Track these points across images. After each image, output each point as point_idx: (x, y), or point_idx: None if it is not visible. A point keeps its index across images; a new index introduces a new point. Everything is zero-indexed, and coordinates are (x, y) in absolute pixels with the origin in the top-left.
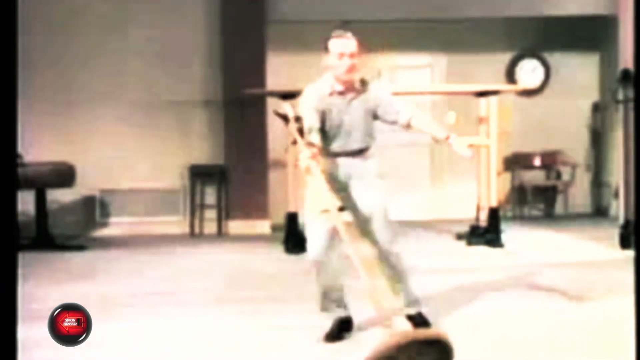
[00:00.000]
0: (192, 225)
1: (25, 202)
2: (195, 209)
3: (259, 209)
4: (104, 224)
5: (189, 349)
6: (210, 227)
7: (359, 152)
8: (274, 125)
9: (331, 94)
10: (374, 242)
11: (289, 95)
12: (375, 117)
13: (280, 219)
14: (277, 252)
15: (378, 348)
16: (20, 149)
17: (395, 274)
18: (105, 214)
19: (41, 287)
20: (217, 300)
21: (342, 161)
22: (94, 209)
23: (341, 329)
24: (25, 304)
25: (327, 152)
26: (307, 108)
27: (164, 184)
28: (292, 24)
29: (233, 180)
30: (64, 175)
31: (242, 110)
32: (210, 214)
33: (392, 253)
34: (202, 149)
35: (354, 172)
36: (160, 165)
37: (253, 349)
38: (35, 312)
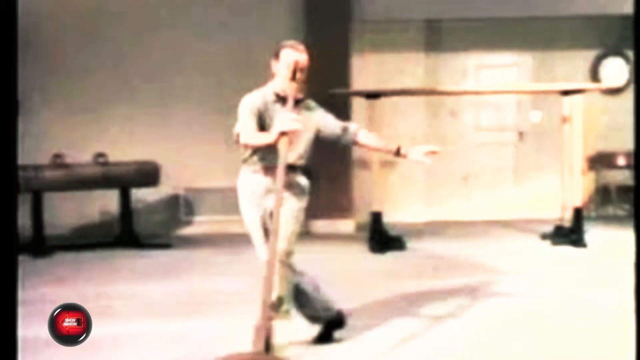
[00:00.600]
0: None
1: (110, 201)
2: None
3: (343, 209)
4: (188, 223)
5: None
6: None
7: (294, 166)
8: (358, 123)
9: (275, 101)
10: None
11: (374, 95)
12: (316, 131)
13: (364, 218)
14: (361, 251)
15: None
16: (105, 148)
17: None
18: (190, 212)
19: (126, 285)
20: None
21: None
22: (178, 208)
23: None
24: (112, 301)
25: (262, 164)
26: (247, 111)
27: None
28: (377, 23)
29: (317, 179)
30: (149, 174)
31: (327, 110)
32: None
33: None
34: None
35: (288, 186)
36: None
37: (338, 347)
38: (123, 309)
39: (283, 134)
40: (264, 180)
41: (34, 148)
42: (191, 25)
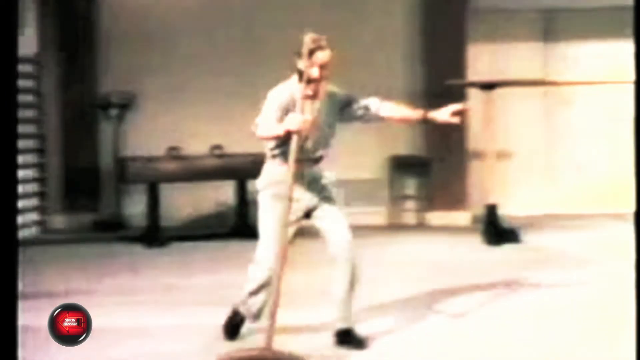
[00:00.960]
0: (391, 216)
1: (226, 192)
2: (396, 199)
3: (458, 200)
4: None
5: None
6: (410, 218)
7: (318, 160)
8: (474, 116)
9: (303, 97)
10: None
11: (490, 86)
12: (342, 117)
13: (479, 210)
14: (476, 243)
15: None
16: (221, 140)
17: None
18: None
19: (240, 276)
20: (416, 290)
21: (304, 167)
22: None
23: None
24: (223, 290)
25: (289, 158)
26: (272, 104)
27: (365, 175)
28: (493, 12)
29: (433, 171)
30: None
31: (442, 101)
32: (411, 205)
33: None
34: (403, 140)
35: (311, 179)
36: (361, 156)
37: (451, 340)
38: (230, 298)
39: (291, 132)
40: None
41: (151, 141)
42: (299, 14)
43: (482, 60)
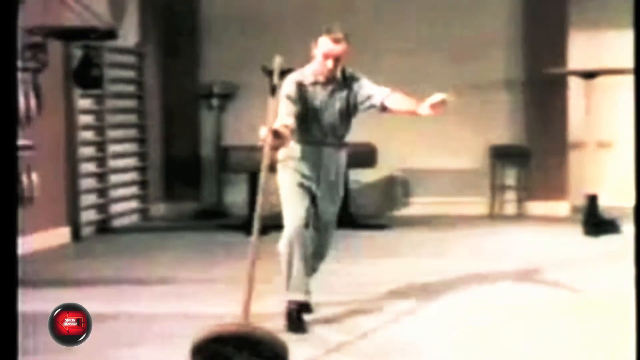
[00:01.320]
0: (492, 206)
1: None
2: (496, 189)
3: (558, 190)
4: (405, 204)
5: (494, 321)
6: (510, 208)
7: (334, 143)
8: (574, 105)
9: (314, 83)
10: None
11: (591, 75)
12: (355, 108)
13: (579, 200)
14: (575, 233)
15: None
16: None
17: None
18: (406, 193)
19: (342, 266)
20: (516, 280)
21: (316, 149)
22: (394, 189)
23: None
24: (326, 277)
25: (305, 139)
26: (286, 93)
27: (465, 165)
28: None
29: (533, 161)
30: (366, 156)
31: (543, 90)
32: (511, 195)
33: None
34: (503, 129)
35: (327, 162)
36: (461, 145)
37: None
38: (337, 287)
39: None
40: (306, 150)
41: (253, 130)
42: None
43: (583, 48)
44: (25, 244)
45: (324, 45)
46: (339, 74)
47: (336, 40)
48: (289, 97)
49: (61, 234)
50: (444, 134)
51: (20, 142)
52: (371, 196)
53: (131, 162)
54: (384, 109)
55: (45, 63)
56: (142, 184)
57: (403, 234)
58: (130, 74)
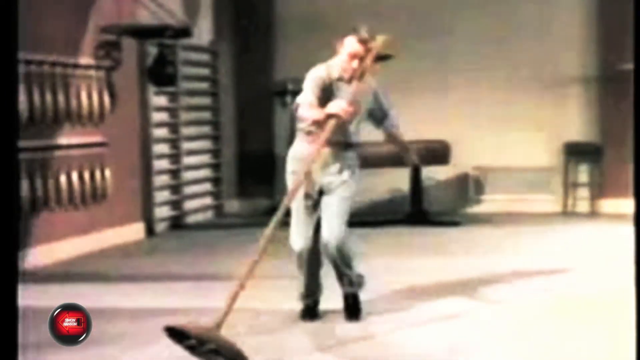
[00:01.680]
0: (565, 204)
1: (401, 179)
2: (569, 187)
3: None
4: (477, 201)
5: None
6: (583, 206)
7: (349, 142)
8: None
9: (339, 79)
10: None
11: None
12: (369, 114)
13: None
14: None
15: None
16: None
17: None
18: (479, 191)
19: (413, 259)
20: (590, 279)
21: (332, 148)
22: (467, 186)
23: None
24: (399, 275)
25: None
26: (310, 84)
27: (538, 162)
28: None
29: (606, 158)
30: (439, 153)
31: (617, 86)
32: (583, 193)
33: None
34: (577, 126)
35: (334, 164)
36: (534, 142)
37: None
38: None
39: (331, 116)
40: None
41: None
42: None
43: None
44: (100, 240)
45: (350, 45)
46: (360, 72)
47: (362, 41)
48: (313, 88)
49: (135, 230)
50: (517, 131)
51: (94, 139)
52: (444, 193)
53: (205, 159)
54: (385, 132)
55: (119, 61)
56: (216, 180)
57: (474, 231)
58: (204, 71)
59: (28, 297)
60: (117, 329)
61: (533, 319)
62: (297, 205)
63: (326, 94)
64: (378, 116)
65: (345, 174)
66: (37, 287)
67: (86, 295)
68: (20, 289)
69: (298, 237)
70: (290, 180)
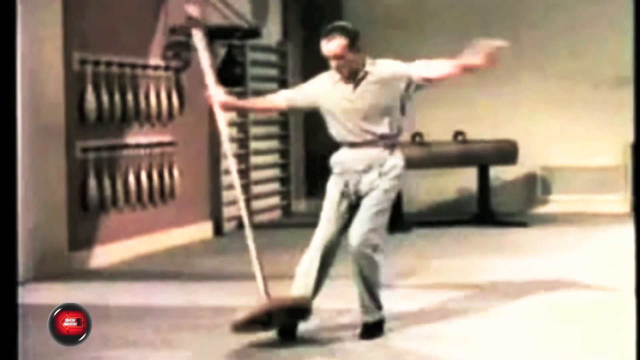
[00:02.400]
0: (631, 204)
1: (468, 178)
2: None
3: None
4: (545, 201)
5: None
6: None
7: (374, 142)
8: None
9: (337, 82)
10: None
11: None
12: (398, 96)
13: None
14: None
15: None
16: (464, 127)
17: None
18: (546, 190)
19: (482, 260)
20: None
21: (356, 150)
22: (535, 186)
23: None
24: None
25: (344, 141)
26: (305, 85)
27: (605, 161)
28: None
29: None
30: (507, 153)
31: None
32: None
33: (364, 254)
34: None
35: (365, 164)
36: (601, 142)
37: None
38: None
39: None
40: (351, 154)
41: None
42: None
43: None
44: (167, 239)
45: (322, 48)
46: (353, 70)
47: (329, 39)
48: (304, 86)
49: (203, 229)
50: (584, 130)
51: (163, 138)
52: (512, 193)
53: (273, 158)
54: (427, 81)
55: (188, 62)
56: (284, 180)
57: (542, 231)
58: (272, 72)
59: (91, 294)
60: (184, 331)
61: (604, 320)
62: (327, 202)
63: (327, 97)
64: (409, 86)
65: (374, 174)
66: (103, 285)
67: (152, 294)
68: (84, 287)
69: (321, 237)
70: (331, 182)
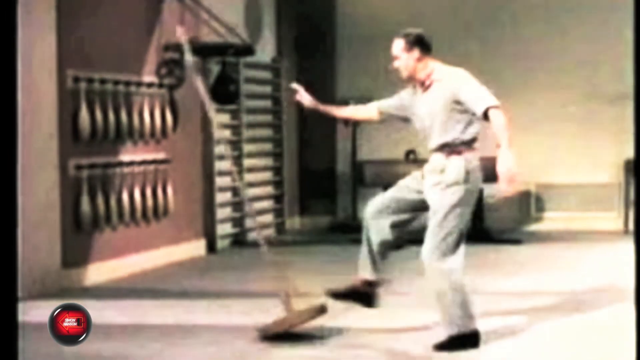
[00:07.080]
0: (626, 222)
1: None
2: (630, 204)
3: None
4: (539, 219)
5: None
6: None
7: (439, 148)
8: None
9: (416, 91)
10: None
11: None
12: (456, 108)
13: None
14: None
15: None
16: None
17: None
18: (540, 208)
19: (476, 278)
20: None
21: (432, 156)
22: (529, 203)
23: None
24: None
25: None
26: (397, 95)
27: (599, 179)
28: None
29: None
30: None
31: None
32: None
33: (431, 266)
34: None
35: (430, 170)
36: (596, 159)
37: None
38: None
39: None
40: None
41: (388, 144)
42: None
43: None
44: (161, 256)
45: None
46: (421, 76)
47: (395, 40)
48: (395, 96)
49: (197, 247)
50: (578, 147)
51: (156, 156)
52: (506, 210)
53: (267, 176)
54: (485, 118)
55: (182, 79)
56: (278, 197)
57: (536, 249)
58: (266, 89)
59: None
60: (183, 347)
61: (591, 337)
62: (398, 183)
63: (409, 104)
64: (467, 110)
65: (435, 179)
66: (96, 303)
67: (145, 311)
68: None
69: (375, 201)
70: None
